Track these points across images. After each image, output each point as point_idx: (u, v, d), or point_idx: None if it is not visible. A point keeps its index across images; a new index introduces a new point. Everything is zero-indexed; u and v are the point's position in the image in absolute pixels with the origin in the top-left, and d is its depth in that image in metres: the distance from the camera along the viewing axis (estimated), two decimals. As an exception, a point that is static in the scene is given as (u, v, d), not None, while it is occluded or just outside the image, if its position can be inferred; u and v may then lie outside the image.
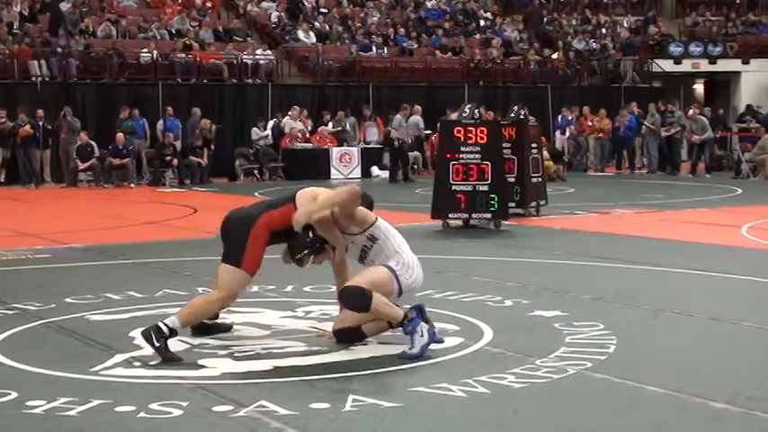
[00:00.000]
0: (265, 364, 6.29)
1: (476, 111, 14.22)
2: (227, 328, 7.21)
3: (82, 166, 23.74)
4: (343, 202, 6.64)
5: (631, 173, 27.17)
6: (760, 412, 5.19)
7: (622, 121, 27.35)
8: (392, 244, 6.72)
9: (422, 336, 6.34)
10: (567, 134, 28.13)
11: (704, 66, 34.26)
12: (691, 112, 26.68)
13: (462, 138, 13.82)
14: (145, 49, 27.26)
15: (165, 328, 6.36)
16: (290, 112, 26.30)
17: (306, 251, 6.73)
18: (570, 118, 28.32)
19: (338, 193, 6.72)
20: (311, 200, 6.68)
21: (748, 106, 31.06)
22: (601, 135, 27.81)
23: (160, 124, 25.13)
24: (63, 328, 7.52)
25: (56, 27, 27.35)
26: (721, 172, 26.11)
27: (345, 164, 25.75)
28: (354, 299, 6.50)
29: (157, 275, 10.09)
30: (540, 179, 16.21)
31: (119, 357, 6.48)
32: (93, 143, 23.83)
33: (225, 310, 7.15)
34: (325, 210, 6.58)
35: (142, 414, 5.24)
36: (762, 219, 15.09)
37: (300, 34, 30.15)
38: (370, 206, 6.98)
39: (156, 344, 6.35)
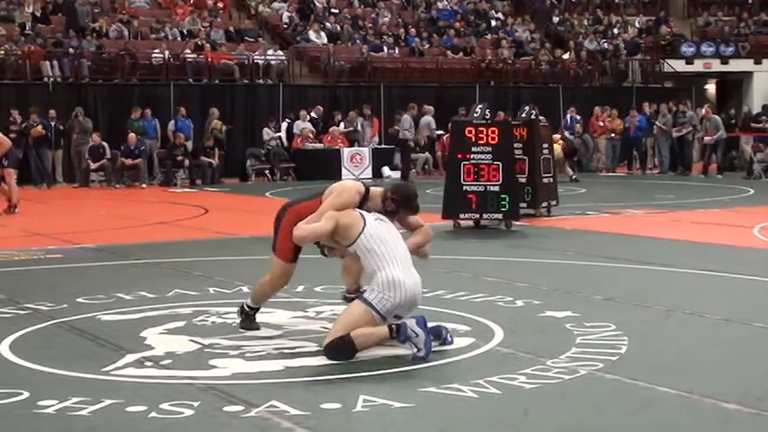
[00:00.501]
0: (276, 365, 6.30)
1: (486, 111, 14.21)
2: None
3: (93, 166, 23.81)
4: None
5: (643, 173, 27.10)
6: (771, 413, 5.18)
7: (632, 121, 27.31)
8: (371, 262, 6.55)
9: (417, 335, 6.28)
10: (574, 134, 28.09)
11: (716, 66, 34.16)
12: (703, 111, 26.61)
13: (473, 138, 13.81)
14: (156, 50, 27.30)
15: (246, 307, 7.34)
16: (313, 114, 26.24)
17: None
18: (578, 118, 28.27)
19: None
20: (326, 196, 6.92)
21: (764, 106, 30.93)
22: (612, 135, 27.78)
23: (171, 125, 25.16)
24: (75, 328, 7.54)
25: (71, 26, 27.39)
26: (733, 172, 26.04)
27: (356, 164, 25.71)
28: (338, 352, 6.35)
29: (169, 275, 10.11)
30: (551, 179, 16.19)
31: (130, 357, 6.50)
32: (104, 144, 23.89)
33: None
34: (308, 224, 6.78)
35: (153, 414, 5.26)
36: (774, 219, 15.05)
37: (311, 35, 30.17)
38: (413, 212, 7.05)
39: (239, 317, 7.37)
